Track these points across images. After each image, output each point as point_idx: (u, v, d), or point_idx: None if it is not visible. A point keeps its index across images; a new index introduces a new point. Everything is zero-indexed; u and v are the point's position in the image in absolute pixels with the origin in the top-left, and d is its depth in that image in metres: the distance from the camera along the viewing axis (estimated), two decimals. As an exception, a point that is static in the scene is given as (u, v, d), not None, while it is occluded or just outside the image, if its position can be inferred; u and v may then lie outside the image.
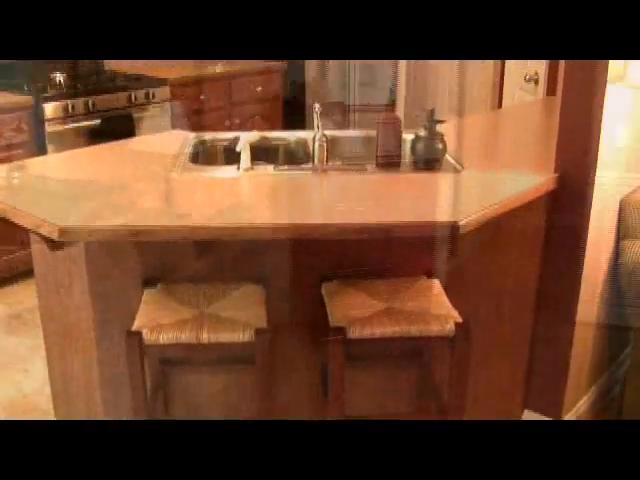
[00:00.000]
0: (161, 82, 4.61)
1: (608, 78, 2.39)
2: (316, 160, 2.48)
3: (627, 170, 2.81)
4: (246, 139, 2.45)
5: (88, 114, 4.25)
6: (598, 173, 2.51)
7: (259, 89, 5.19)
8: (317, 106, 2.52)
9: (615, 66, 2.41)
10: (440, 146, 2.49)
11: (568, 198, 2.55)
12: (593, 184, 2.52)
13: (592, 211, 2.54)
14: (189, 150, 2.73)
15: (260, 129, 5.10)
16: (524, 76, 4.61)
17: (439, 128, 2.53)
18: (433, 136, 2.48)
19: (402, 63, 6.21)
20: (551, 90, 4.23)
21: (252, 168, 2.46)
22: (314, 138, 2.50)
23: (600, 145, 2.45)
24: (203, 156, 2.85)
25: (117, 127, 4.32)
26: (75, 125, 4.18)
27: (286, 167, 2.52)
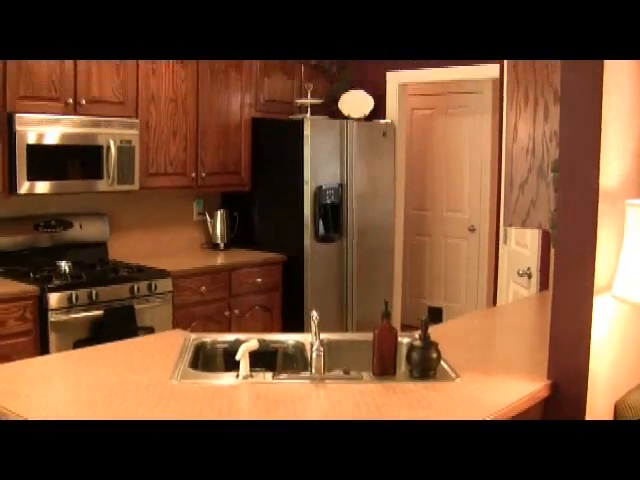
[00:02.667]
0: (163, 274, 4.73)
1: (595, 289, 2.49)
2: (314, 369, 2.54)
3: (617, 377, 2.85)
4: (245, 348, 2.52)
5: (91, 304, 4.33)
6: (590, 379, 2.56)
7: (259, 280, 5.32)
8: (315, 315, 2.59)
9: (601, 275, 2.51)
10: (435, 355, 2.57)
11: (562, 405, 2.59)
12: (586, 392, 2.57)
13: (586, 418, 2.57)
14: (189, 355, 2.80)
15: (260, 320, 5.27)
16: (517, 271, 4.73)
17: (435, 330, 2.61)
18: (428, 346, 2.55)
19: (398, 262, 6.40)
20: (544, 284, 4.34)
21: (251, 376, 2.52)
22: (312, 347, 2.57)
23: (591, 354, 2.52)
24: (203, 361, 2.91)
25: (119, 318, 4.40)
26: (78, 315, 4.26)
27: (285, 375, 2.57)
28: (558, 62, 2.61)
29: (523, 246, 4.79)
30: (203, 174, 5.35)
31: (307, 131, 5.39)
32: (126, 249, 5.26)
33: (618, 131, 2.44)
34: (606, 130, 2.36)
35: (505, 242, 5.30)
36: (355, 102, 6.09)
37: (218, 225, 5.69)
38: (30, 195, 4.46)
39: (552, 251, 3.05)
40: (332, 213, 5.59)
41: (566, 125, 2.44)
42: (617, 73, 2.41)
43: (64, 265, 4.71)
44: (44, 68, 4.42)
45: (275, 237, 5.64)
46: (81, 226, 5.01)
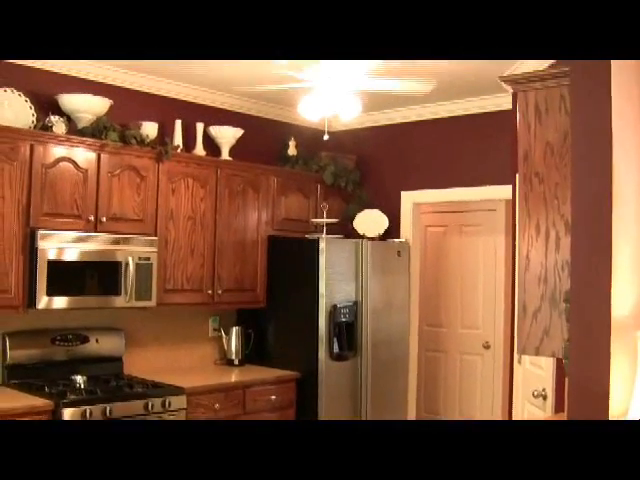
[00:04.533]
0: (178, 391, 4.73)
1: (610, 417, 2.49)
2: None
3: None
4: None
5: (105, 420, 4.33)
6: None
7: (273, 397, 5.30)
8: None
9: (617, 406, 2.51)
10: None
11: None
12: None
13: None
14: None
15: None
16: (532, 392, 4.70)
17: None
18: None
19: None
20: (560, 406, 4.31)
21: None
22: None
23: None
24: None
25: (132, 435, 4.38)
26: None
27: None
28: (568, 192, 2.68)
29: (538, 367, 4.77)
30: (219, 291, 5.41)
31: (323, 250, 5.47)
32: (141, 364, 5.28)
33: (630, 262, 2.48)
34: (617, 262, 2.40)
35: (519, 362, 5.28)
36: (370, 221, 6.19)
37: (233, 341, 5.72)
38: (48, 310, 4.52)
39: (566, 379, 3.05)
40: (347, 331, 5.61)
41: (577, 256, 2.49)
42: (627, 195, 2.45)
43: (79, 380, 4.74)
44: (68, 186, 4.56)
45: (289, 354, 5.64)
46: (97, 340, 5.05)
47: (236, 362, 5.72)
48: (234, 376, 5.46)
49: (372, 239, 6.01)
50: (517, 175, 3.11)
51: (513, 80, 3.16)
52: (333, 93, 4.30)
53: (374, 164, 6.45)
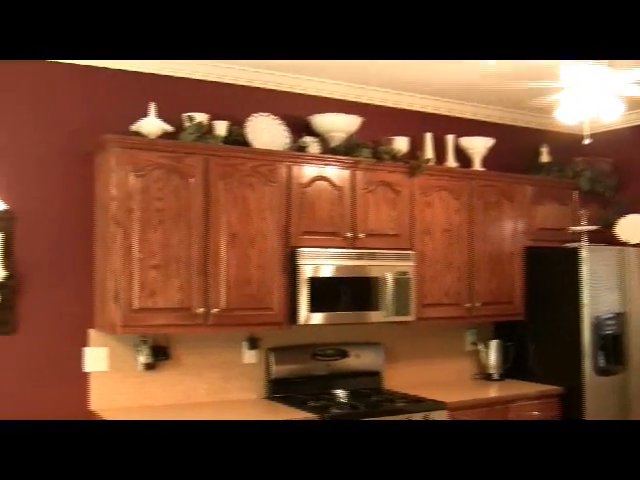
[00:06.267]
0: (440, 405, 4.68)
1: None
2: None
3: None
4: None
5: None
6: None
7: (536, 414, 5.10)
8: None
9: None
10: None
11: None
12: None
13: None
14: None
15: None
16: None
17: None
18: None
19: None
20: None
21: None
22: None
23: None
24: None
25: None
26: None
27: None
28: None
29: None
30: (477, 304, 5.31)
31: (585, 259, 5.21)
32: (398, 378, 5.27)
33: None
34: None
35: None
36: (633, 227, 5.82)
37: (492, 355, 5.58)
38: (308, 326, 4.64)
39: None
40: (613, 344, 5.30)
41: None
42: None
43: (341, 394, 4.83)
44: (324, 204, 4.67)
45: (551, 368, 5.39)
46: (357, 355, 5.11)
47: (495, 376, 5.58)
48: (494, 391, 5.32)
49: (637, 246, 5.65)
50: None
51: None
52: (594, 94, 4.08)
53: (635, 166, 6.06)
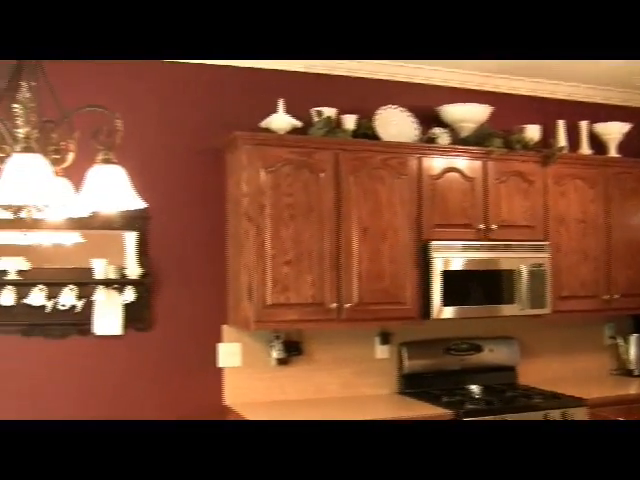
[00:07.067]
0: (579, 402, 4.52)
1: None
2: None
3: None
4: None
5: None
6: None
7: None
8: None
9: None
10: None
11: None
12: None
13: None
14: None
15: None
16: None
17: None
18: None
19: None
20: None
21: None
22: None
23: None
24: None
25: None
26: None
27: None
28: None
29: None
30: (616, 296, 5.10)
31: None
32: (534, 373, 5.13)
33: None
34: None
35: None
36: None
37: (633, 350, 5.36)
38: (440, 320, 4.56)
39: None
40: None
41: None
42: None
43: (475, 389, 4.74)
44: (456, 195, 4.58)
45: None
46: (491, 350, 5.01)
47: (636, 372, 5.35)
48: (635, 388, 5.11)
49: None
50: None
51: None
52: None
53: None
